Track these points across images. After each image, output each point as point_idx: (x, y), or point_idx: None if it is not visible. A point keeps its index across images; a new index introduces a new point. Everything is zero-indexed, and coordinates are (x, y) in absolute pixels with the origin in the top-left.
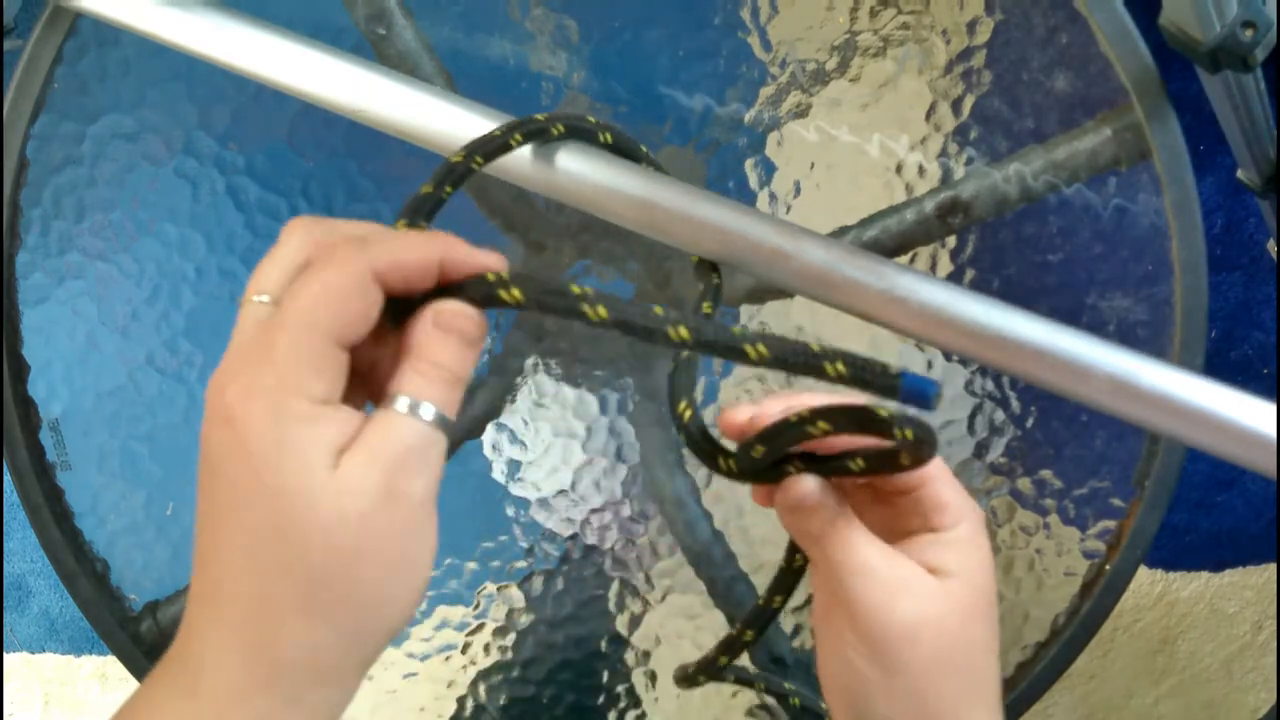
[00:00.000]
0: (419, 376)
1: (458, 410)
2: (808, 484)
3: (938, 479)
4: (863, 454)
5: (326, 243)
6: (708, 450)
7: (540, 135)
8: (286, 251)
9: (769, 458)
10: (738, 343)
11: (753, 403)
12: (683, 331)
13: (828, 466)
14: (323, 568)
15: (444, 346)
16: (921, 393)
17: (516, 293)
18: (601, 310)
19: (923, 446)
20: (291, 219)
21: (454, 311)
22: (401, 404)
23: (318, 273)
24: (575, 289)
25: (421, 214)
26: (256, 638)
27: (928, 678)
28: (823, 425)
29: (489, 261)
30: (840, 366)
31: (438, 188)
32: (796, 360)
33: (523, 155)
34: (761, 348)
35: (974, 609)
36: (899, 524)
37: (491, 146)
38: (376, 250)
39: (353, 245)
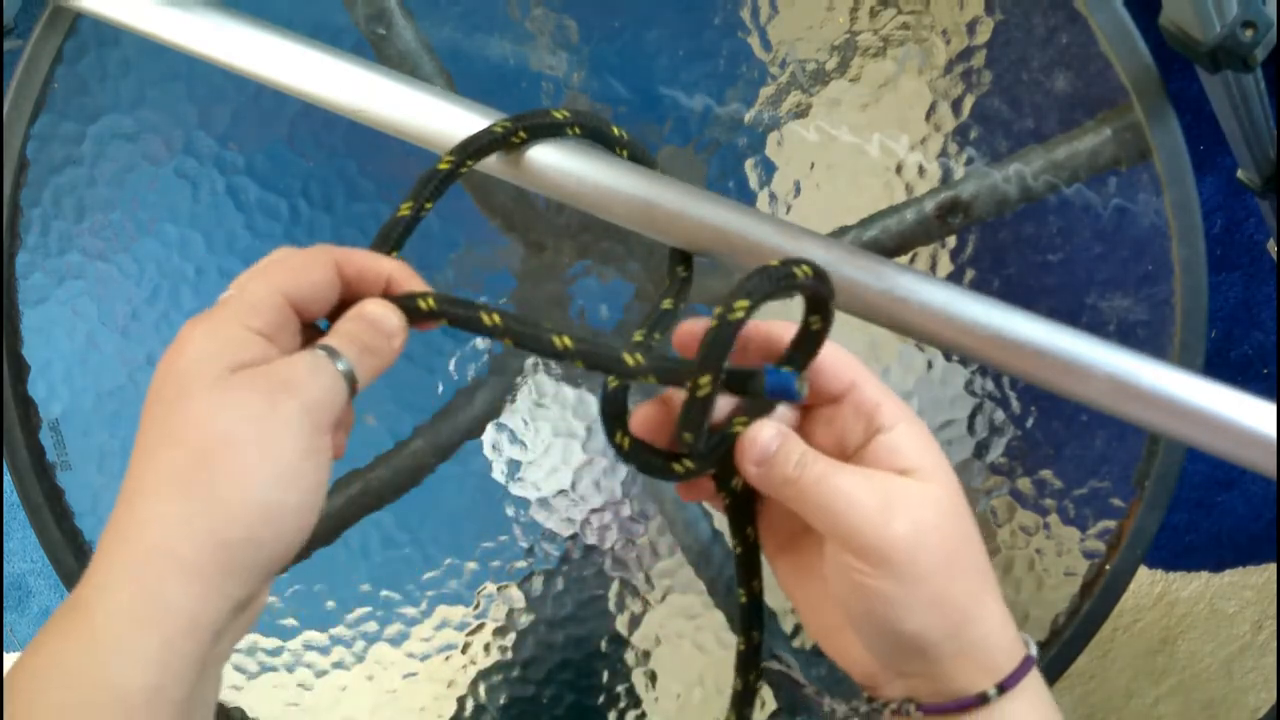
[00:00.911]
0: (335, 337)
1: (368, 380)
2: (766, 431)
3: (863, 381)
4: (782, 358)
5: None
6: (658, 462)
7: (554, 133)
8: (265, 261)
9: (715, 383)
10: (617, 352)
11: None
12: (566, 341)
13: (761, 403)
14: (196, 443)
15: (362, 326)
16: (785, 388)
17: (431, 302)
18: (496, 318)
19: (823, 282)
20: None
21: (375, 302)
22: (318, 351)
23: (283, 254)
24: (478, 304)
25: (390, 241)
26: (125, 523)
27: (945, 576)
28: (741, 303)
29: (426, 288)
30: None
31: (416, 206)
32: (671, 370)
33: (523, 155)
34: (638, 357)
35: (955, 497)
36: (844, 443)
37: (480, 144)
38: (339, 248)
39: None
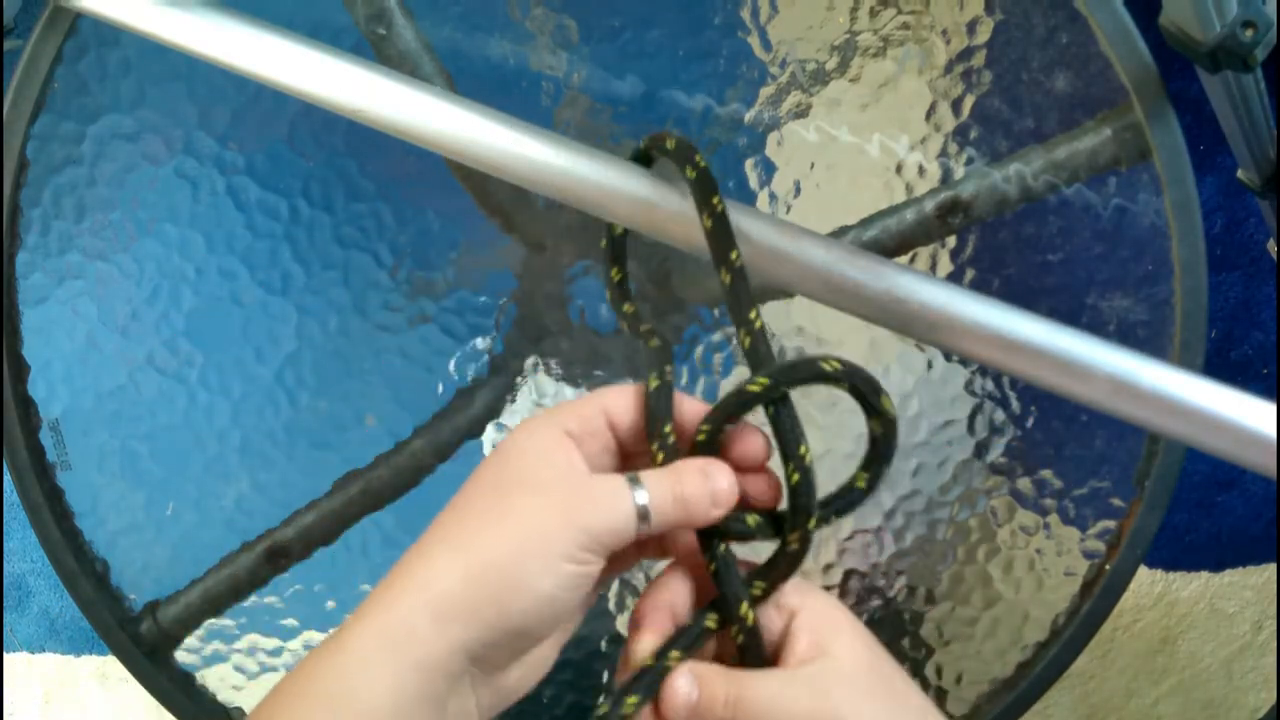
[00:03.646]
0: (654, 475)
1: (664, 525)
2: (679, 681)
3: (804, 616)
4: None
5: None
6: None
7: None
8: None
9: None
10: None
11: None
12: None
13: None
14: (483, 516)
15: (692, 478)
16: None
17: (836, 364)
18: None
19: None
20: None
21: (722, 470)
22: (630, 480)
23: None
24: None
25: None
26: (402, 564)
27: None
28: (762, 380)
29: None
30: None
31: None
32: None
33: (523, 154)
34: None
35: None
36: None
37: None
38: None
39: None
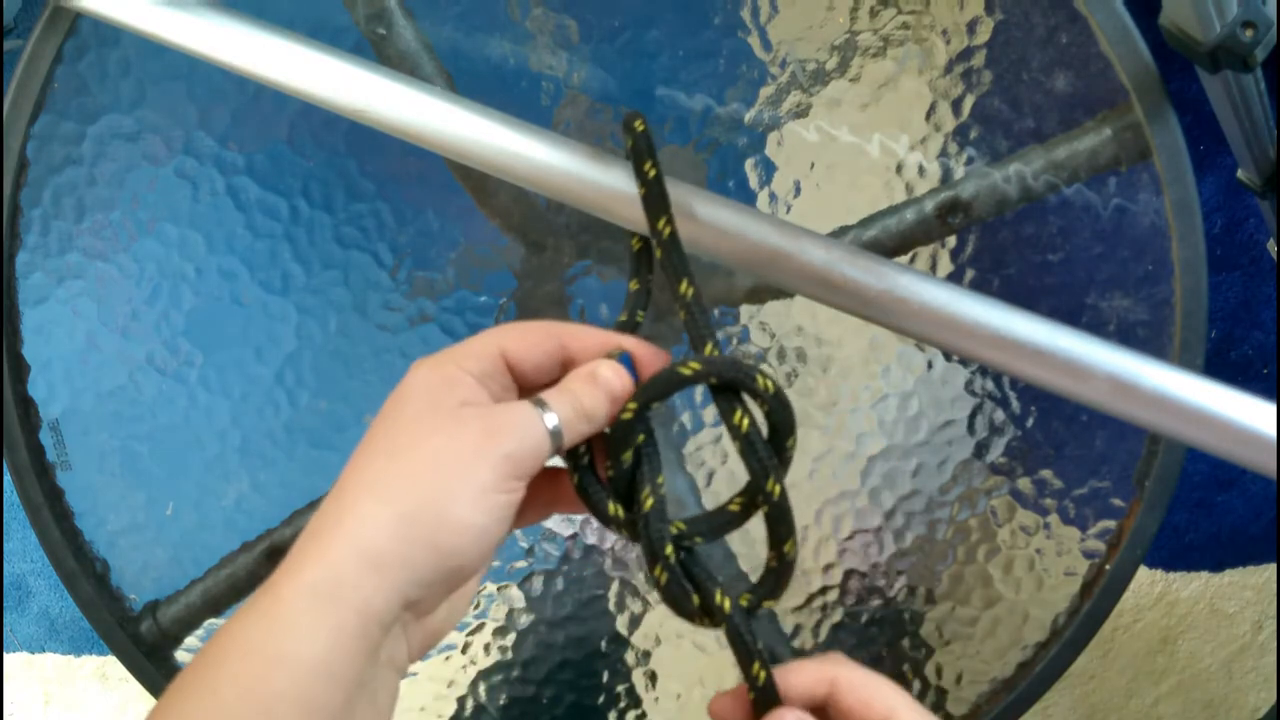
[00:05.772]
0: (554, 393)
1: (575, 440)
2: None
3: (901, 709)
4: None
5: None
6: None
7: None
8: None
9: (638, 412)
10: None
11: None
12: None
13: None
14: (406, 456)
15: (585, 388)
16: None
17: (695, 365)
18: (769, 384)
19: (780, 406)
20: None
21: (608, 365)
22: (535, 403)
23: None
24: (747, 364)
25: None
26: (326, 513)
27: None
28: (694, 364)
29: (605, 338)
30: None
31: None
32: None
33: (523, 154)
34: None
35: None
36: None
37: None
38: (569, 324)
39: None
